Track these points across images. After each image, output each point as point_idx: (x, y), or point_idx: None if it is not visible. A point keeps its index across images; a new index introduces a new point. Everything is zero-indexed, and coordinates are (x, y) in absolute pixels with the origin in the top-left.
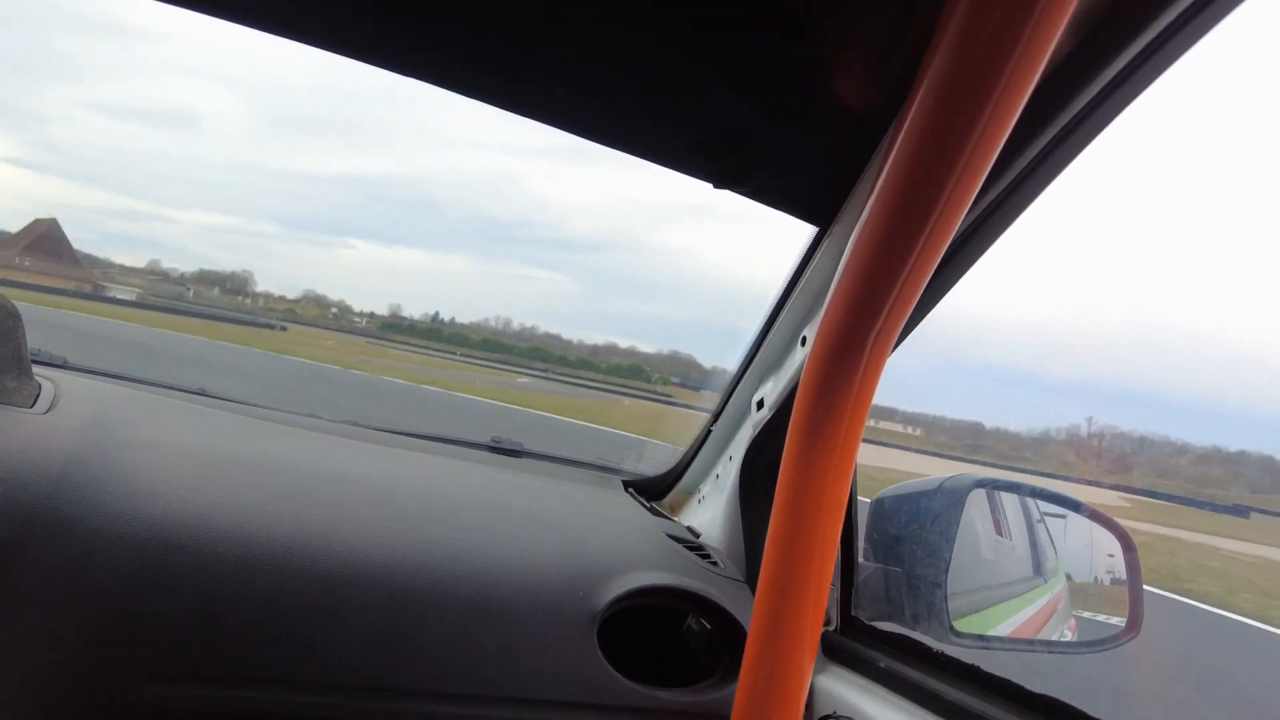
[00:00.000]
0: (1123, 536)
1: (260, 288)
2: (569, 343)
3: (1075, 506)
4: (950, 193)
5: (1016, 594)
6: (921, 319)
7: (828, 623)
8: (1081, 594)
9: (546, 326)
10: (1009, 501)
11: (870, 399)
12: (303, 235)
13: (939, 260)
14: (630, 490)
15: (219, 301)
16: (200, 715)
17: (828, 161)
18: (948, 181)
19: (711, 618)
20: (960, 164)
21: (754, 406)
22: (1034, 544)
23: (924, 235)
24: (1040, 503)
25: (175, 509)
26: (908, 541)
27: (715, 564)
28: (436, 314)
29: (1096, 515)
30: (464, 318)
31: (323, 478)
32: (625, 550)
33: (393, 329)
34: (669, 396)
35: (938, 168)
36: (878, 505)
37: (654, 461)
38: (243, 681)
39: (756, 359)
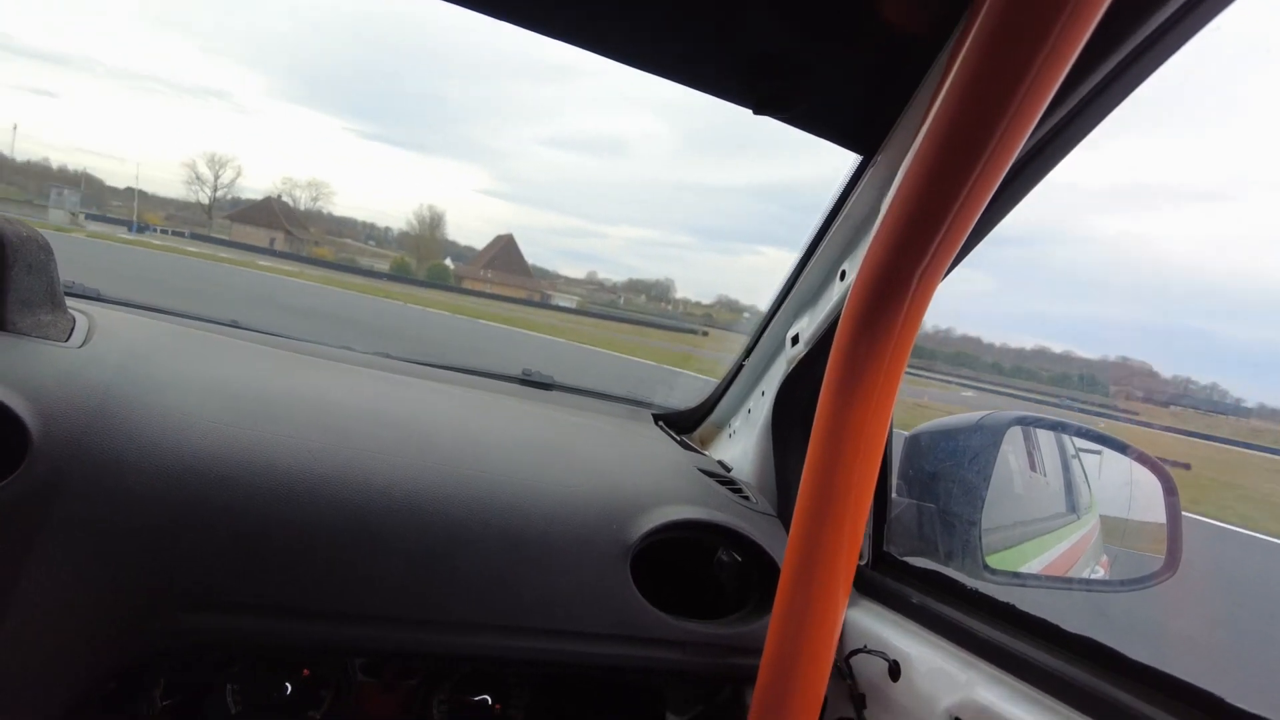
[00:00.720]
0: (1164, 476)
1: (679, 294)
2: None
3: (1120, 447)
4: (1011, 119)
5: (1049, 530)
6: (970, 250)
7: (859, 557)
8: (1118, 531)
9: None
10: (1044, 437)
11: (914, 335)
12: (715, 244)
13: (994, 191)
14: (660, 424)
15: (645, 308)
16: (241, 644)
17: (874, 86)
18: (1009, 106)
19: (743, 552)
20: (1024, 87)
21: (788, 342)
22: (1068, 480)
23: (980, 164)
24: (1075, 439)
25: (213, 442)
26: (944, 478)
27: (747, 498)
28: None
29: (1139, 454)
30: None
31: (358, 411)
32: (657, 483)
33: None
34: None
35: (999, 92)
36: (913, 441)
37: (684, 395)
38: (281, 612)
39: (792, 293)
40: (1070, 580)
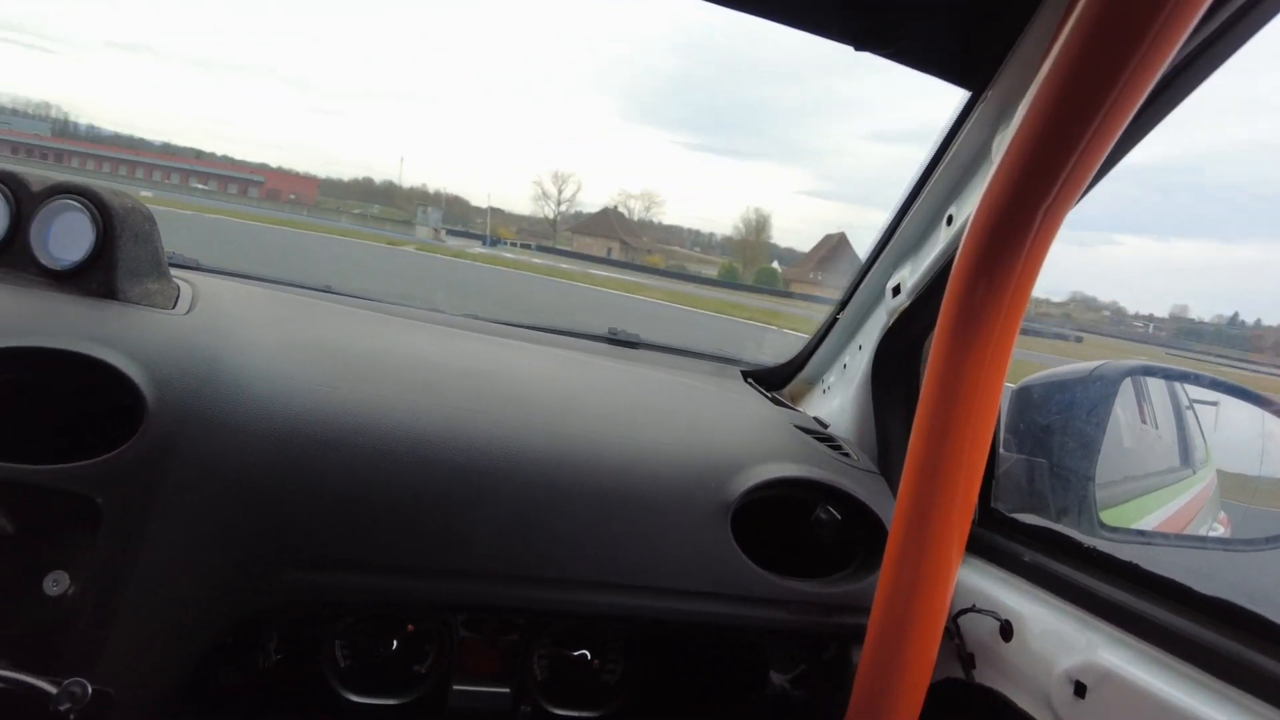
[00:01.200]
0: None
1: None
2: None
3: (1255, 399)
4: (1151, 43)
5: (1162, 485)
6: (1096, 184)
7: None
8: (1244, 488)
9: None
10: (1154, 387)
11: (1035, 278)
12: (1061, 233)
13: (1128, 120)
14: (750, 380)
15: None
16: (347, 601)
17: (983, 18)
18: (1149, 29)
19: (845, 509)
20: (1165, 10)
21: (889, 293)
22: (1180, 433)
23: (1115, 91)
24: (1189, 388)
25: (316, 404)
26: (1056, 431)
27: (847, 455)
28: (1235, 315)
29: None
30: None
31: (454, 370)
32: (754, 441)
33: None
34: None
35: (1138, 14)
36: (1023, 394)
37: (772, 351)
38: (385, 570)
39: (892, 243)
40: (1191, 539)
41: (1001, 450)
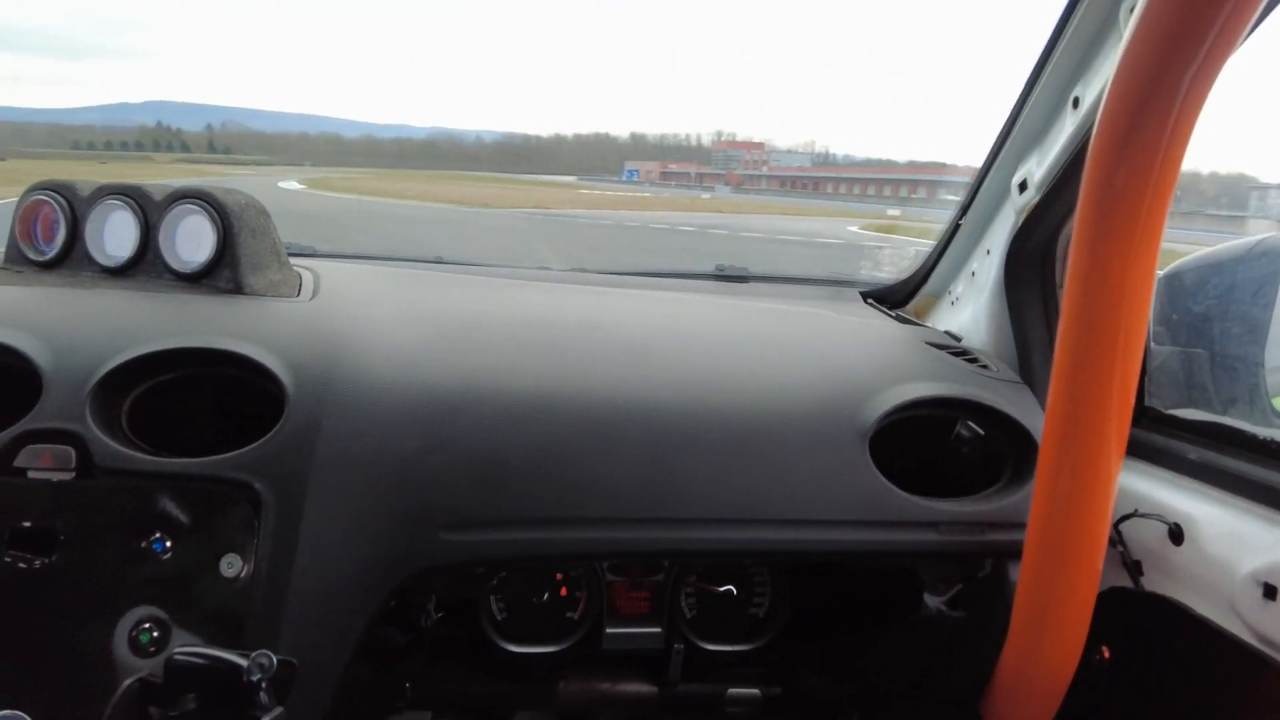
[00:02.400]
0: None
1: None
2: None
3: None
4: None
5: None
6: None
7: None
8: None
9: None
10: None
11: (1183, 153)
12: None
13: None
14: (870, 300)
15: None
16: (497, 556)
17: None
18: None
19: (989, 424)
20: None
21: (1014, 190)
22: None
23: None
24: None
25: (442, 374)
26: (1215, 318)
27: (985, 367)
28: None
29: None
30: None
31: (569, 326)
32: (885, 363)
33: None
34: None
35: None
36: (1174, 280)
37: (890, 268)
38: (528, 523)
39: (1013, 135)
40: None
41: (1152, 345)
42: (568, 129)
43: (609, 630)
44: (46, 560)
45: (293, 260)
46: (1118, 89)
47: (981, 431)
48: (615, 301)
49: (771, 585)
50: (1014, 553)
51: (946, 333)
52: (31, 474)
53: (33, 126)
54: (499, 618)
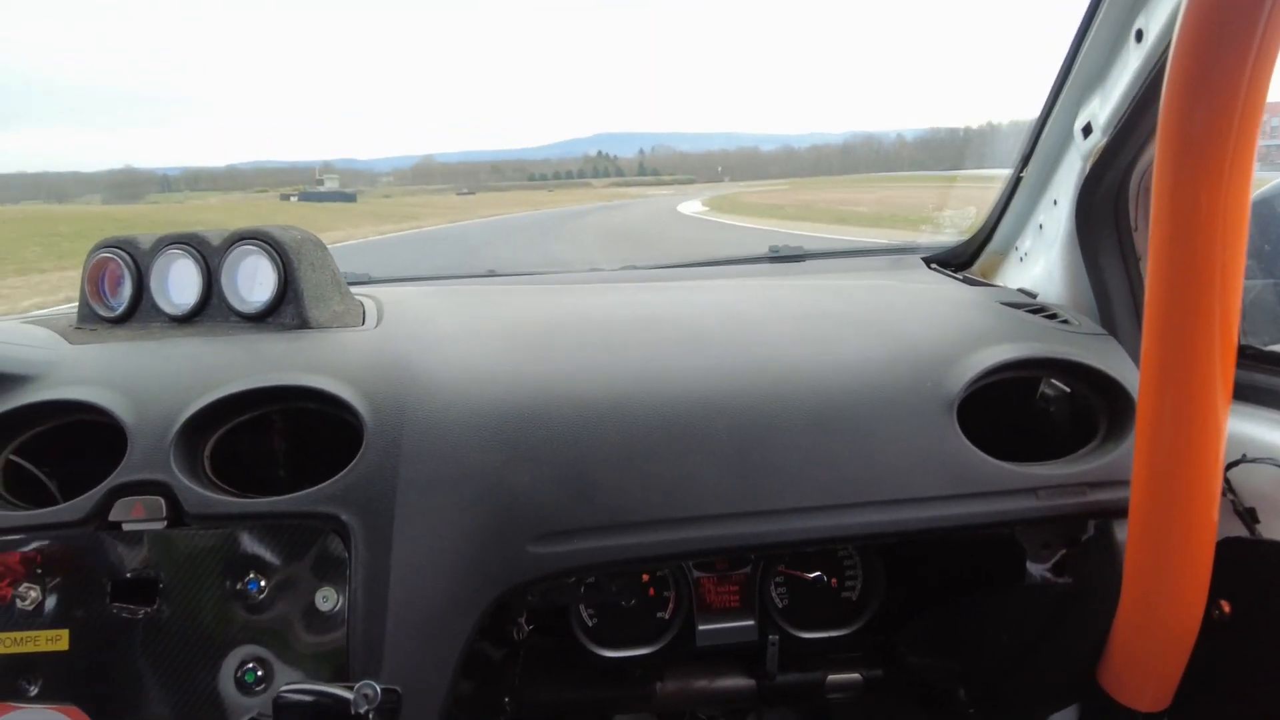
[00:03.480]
0: None
1: None
2: None
3: None
4: None
5: None
6: None
7: None
8: None
9: None
10: None
11: (1270, 72)
12: None
13: None
14: (933, 265)
15: None
16: (586, 564)
17: None
18: None
19: (1077, 380)
20: None
21: (1078, 134)
22: None
23: None
24: None
25: (513, 385)
26: None
27: (1066, 322)
28: None
29: None
30: None
31: (630, 324)
32: (962, 328)
33: None
34: None
35: None
36: (1262, 208)
37: (951, 230)
38: (615, 529)
39: (1073, 75)
40: None
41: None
42: (1002, 118)
43: (701, 627)
44: (149, 609)
45: (351, 289)
46: (1190, 19)
47: (1068, 389)
48: (673, 294)
49: (862, 567)
50: (1119, 511)
51: (1019, 290)
52: (126, 526)
53: (504, 164)
54: (589, 624)
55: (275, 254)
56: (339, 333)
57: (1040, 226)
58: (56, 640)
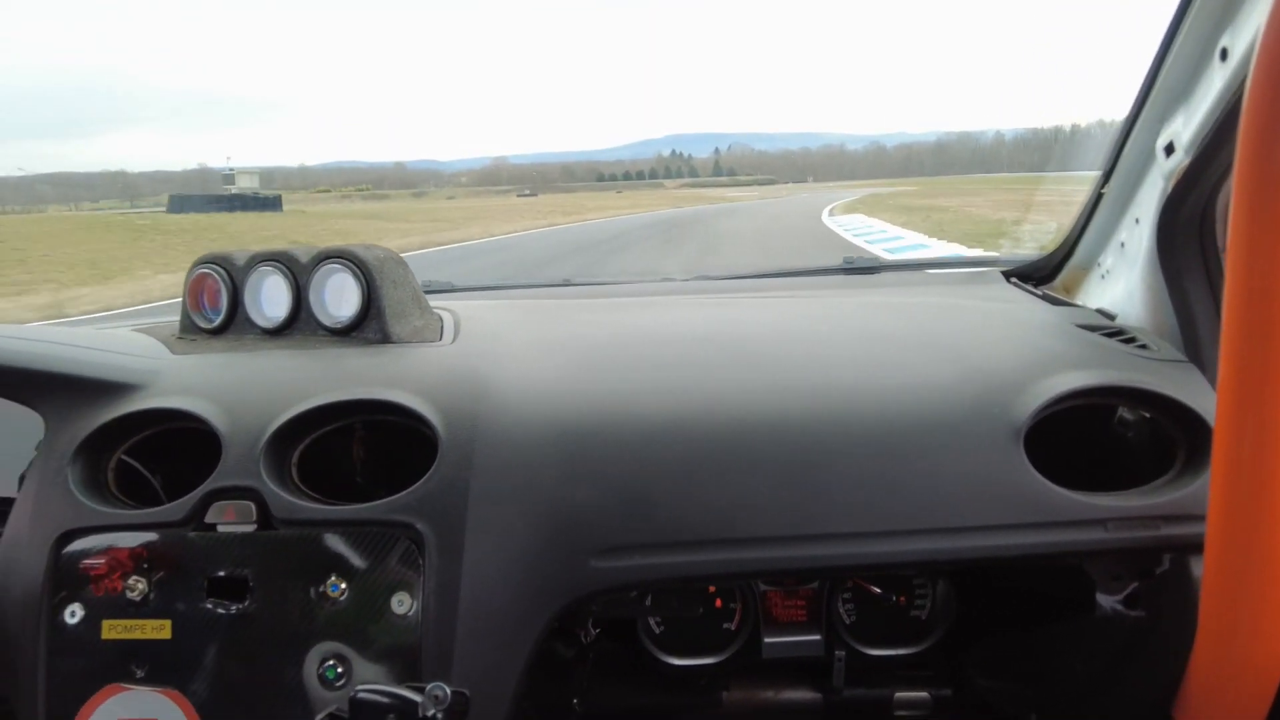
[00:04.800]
0: None
1: None
2: None
3: None
4: None
5: None
6: None
7: None
8: None
9: None
10: None
11: None
12: None
13: None
14: (1013, 280)
15: None
16: (648, 579)
17: None
18: None
19: (1154, 409)
20: None
21: (1160, 154)
22: None
23: None
24: None
25: (579, 402)
26: None
27: (1145, 347)
28: None
29: None
30: None
31: (697, 340)
32: (1035, 353)
33: None
34: None
35: None
36: None
37: (1033, 243)
38: (676, 546)
39: (1154, 93)
40: None
41: None
42: (1106, 115)
43: (767, 640)
44: (240, 605)
45: (431, 298)
46: (1270, 44)
47: (1146, 417)
48: (742, 312)
49: (932, 587)
50: (1195, 546)
51: (1099, 310)
52: (220, 529)
53: (576, 165)
54: (656, 632)
55: (360, 272)
56: (418, 348)
57: (1122, 245)
58: (160, 630)
